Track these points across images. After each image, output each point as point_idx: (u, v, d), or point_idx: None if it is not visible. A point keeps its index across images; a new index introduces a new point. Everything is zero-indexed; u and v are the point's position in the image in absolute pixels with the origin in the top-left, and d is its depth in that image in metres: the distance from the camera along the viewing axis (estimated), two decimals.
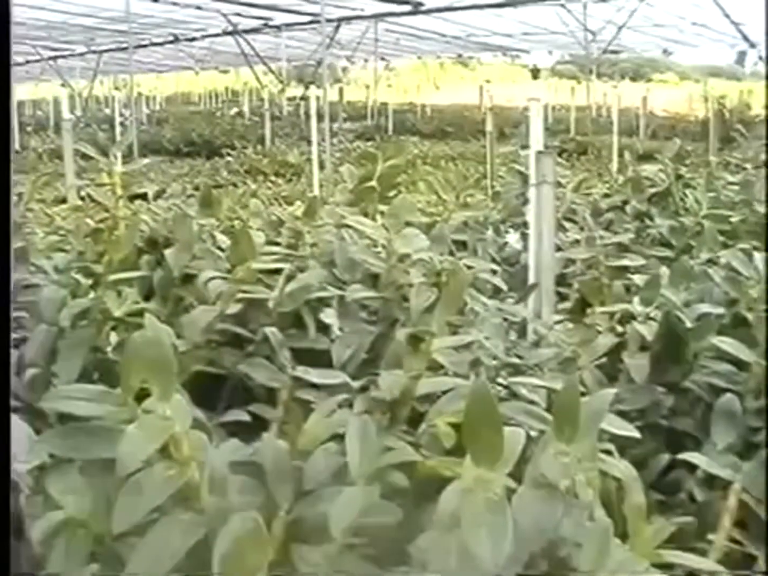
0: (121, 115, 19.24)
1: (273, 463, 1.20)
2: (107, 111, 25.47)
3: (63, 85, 15.52)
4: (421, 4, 16.57)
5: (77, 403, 1.20)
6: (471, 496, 0.95)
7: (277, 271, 2.02)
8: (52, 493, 1.16)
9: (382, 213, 2.64)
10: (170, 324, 2.01)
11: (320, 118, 8.88)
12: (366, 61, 29.31)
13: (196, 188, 6.53)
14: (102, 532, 1.15)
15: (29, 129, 20.46)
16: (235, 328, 1.89)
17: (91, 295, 1.97)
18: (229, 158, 11.53)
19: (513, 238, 3.35)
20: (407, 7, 16.93)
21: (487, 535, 0.91)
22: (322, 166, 7.85)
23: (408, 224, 2.15)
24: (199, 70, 30.02)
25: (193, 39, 22.19)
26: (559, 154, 10.28)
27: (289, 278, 2.00)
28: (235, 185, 7.76)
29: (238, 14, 18.46)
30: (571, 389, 1.13)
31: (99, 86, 29.14)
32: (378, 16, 18.92)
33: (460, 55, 35.09)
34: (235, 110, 24.69)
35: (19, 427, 1.28)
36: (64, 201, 5.12)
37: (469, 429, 0.98)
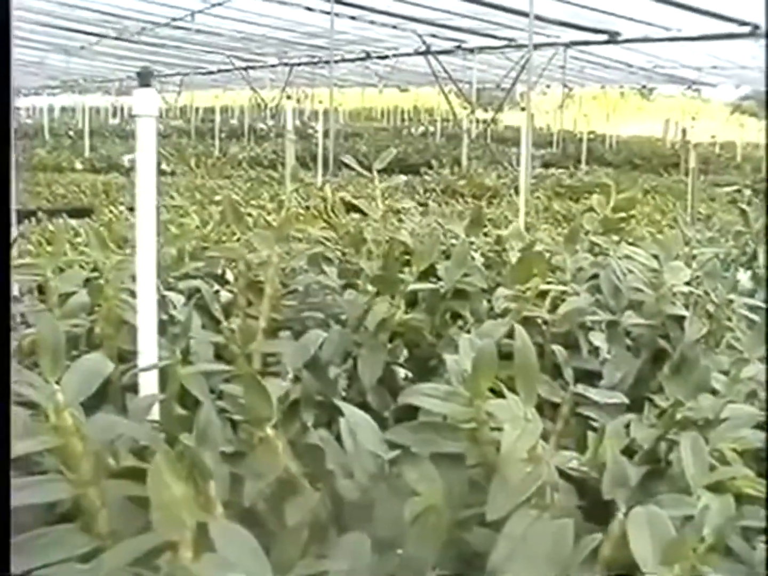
0: (311, 127, 19.73)
1: (613, 469, 1.29)
2: (296, 123, 26.16)
3: (289, 97, 15.92)
4: (618, 34, 16.44)
5: (431, 401, 1.32)
6: None
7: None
8: (409, 481, 1.27)
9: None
10: (439, 336, 2.15)
11: (508, 141, 8.90)
12: (548, 86, 29.19)
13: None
14: (450, 519, 1.26)
15: (223, 135, 21.16)
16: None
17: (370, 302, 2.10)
18: (425, 177, 11.66)
19: (744, 277, 3.37)
20: (604, 36, 16.81)
21: None
22: (517, 191, 7.93)
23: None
24: (382, 87, 30.43)
25: (385, 57, 22.41)
26: (754, 194, 10.11)
27: (555, 300, 2.11)
28: (438, 204, 7.90)
29: (434, 35, 18.64)
30: None
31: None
32: (573, 45, 18.82)
33: (644, 86, 34.63)
34: (421, 129, 25.00)
35: (364, 420, 1.40)
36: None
37: None
